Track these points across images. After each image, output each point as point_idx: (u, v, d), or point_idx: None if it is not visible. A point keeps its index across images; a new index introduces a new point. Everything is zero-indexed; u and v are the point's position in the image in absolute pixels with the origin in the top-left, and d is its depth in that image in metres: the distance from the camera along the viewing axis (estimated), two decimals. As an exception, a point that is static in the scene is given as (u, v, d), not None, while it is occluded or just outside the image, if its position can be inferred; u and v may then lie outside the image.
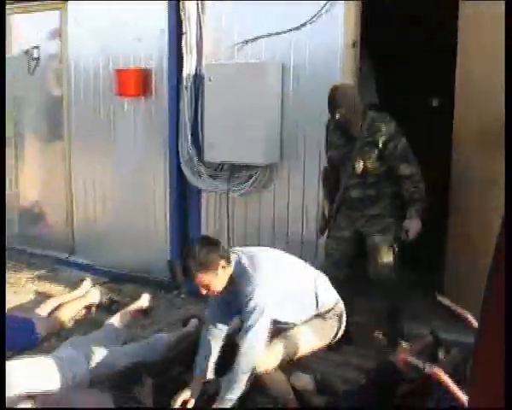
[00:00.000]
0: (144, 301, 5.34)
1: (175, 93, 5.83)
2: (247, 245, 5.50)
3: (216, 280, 3.45)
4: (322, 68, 5.06)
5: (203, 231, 5.91)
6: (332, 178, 4.55)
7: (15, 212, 7.79)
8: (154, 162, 6.21)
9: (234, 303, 3.56)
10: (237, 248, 3.75)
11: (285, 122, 5.28)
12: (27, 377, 3.77)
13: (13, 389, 3.63)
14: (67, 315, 5.26)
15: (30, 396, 3.53)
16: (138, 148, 6.35)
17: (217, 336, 3.73)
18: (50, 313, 5.22)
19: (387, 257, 4.38)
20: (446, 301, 3.51)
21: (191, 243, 3.63)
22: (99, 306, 5.54)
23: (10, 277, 6.53)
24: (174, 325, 5.05)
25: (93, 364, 4.08)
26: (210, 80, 5.36)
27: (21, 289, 6.32)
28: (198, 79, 5.67)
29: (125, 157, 6.48)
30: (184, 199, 6.00)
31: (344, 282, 4.43)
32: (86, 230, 6.98)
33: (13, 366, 3.89)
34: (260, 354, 3.35)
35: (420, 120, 5.98)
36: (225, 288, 3.51)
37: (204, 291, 3.48)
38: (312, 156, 5.18)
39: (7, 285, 6.28)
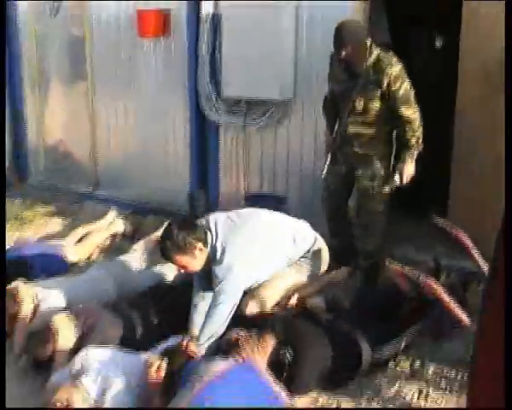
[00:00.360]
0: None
1: (194, 33, 6.01)
2: (262, 178, 5.83)
3: (194, 261, 3.63)
4: (334, 8, 5.15)
5: (221, 163, 6.18)
6: (331, 110, 4.61)
7: (41, 149, 8.08)
8: (173, 99, 6.43)
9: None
10: (218, 218, 3.84)
11: (299, 61, 5.44)
12: (60, 293, 4.15)
13: (48, 303, 4.02)
14: (94, 243, 5.59)
15: (65, 308, 3.87)
16: (158, 85, 6.57)
17: (203, 301, 3.81)
18: (78, 242, 5.55)
19: (372, 205, 4.47)
20: (442, 222, 3.73)
21: (169, 225, 3.76)
22: (123, 235, 5.86)
23: (39, 210, 6.89)
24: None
25: (119, 284, 4.42)
26: (227, 20, 5.55)
27: (49, 221, 6.65)
28: (216, 19, 5.84)
29: (145, 95, 6.71)
30: (203, 134, 6.24)
31: (338, 214, 4.70)
32: (109, 164, 7.26)
33: (47, 284, 4.28)
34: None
35: (426, 60, 6.06)
36: (204, 266, 3.68)
37: (182, 270, 3.70)
38: (324, 94, 5.36)
39: (36, 218, 6.66)
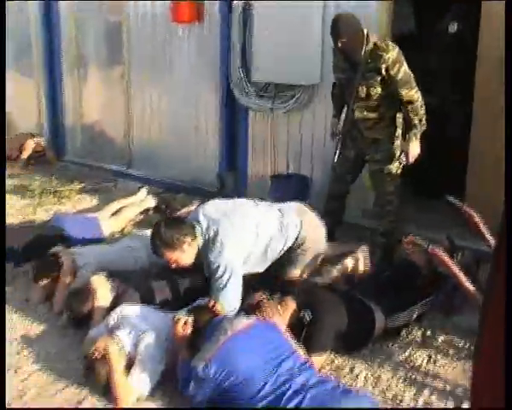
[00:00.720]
0: (195, 205, 5.93)
1: (226, 20, 6.28)
2: (289, 159, 6.06)
3: (184, 256, 3.83)
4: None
5: (249, 146, 6.44)
6: (338, 97, 4.84)
7: (78, 129, 8.44)
8: (205, 83, 6.72)
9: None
10: (206, 209, 4.02)
11: (325, 48, 5.60)
12: (96, 258, 4.47)
13: (86, 267, 4.34)
14: (127, 217, 5.91)
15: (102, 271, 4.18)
16: (191, 70, 6.86)
17: None
18: (112, 216, 5.86)
19: (384, 186, 4.68)
20: (454, 201, 3.93)
21: (157, 224, 3.96)
22: (155, 210, 6.16)
23: (75, 186, 7.24)
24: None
25: (150, 253, 4.70)
26: (257, 9, 5.80)
27: (84, 197, 7.01)
28: (247, 7, 6.08)
29: (178, 79, 7.00)
30: (233, 117, 6.51)
31: (338, 197, 4.97)
32: (143, 145, 7.59)
33: (84, 250, 4.61)
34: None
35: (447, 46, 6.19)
36: (196, 259, 3.88)
37: (173, 266, 3.87)
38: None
39: (72, 194, 7.00)
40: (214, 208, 4.05)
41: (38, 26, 8.44)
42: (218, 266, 3.74)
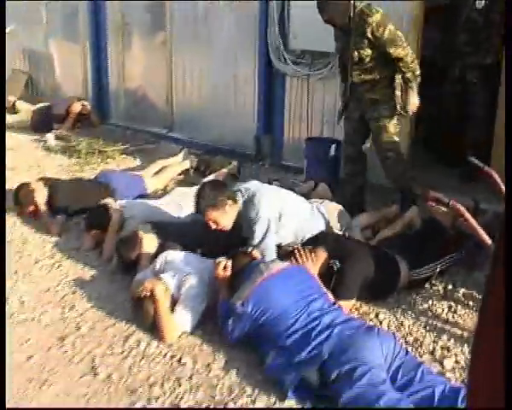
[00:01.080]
0: (233, 166, 6.25)
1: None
2: (323, 124, 6.31)
3: (224, 216, 4.11)
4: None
5: (286, 111, 6.69)
6: (341, 63, 5.09)
7: (121, 93, 8.78)
8: (244, 50, 6.98)
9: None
10: (245, 185, 4.32)
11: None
12: (142, 211, 4.83)
13: (133, 218, 4.70)
14: (169, 176, 6.25)
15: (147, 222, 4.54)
16: (231, 38, 7.12)
17: None
18: (155, 174, 6.22)
19: (382, 142, 4.92)
20: (476, 161, 4.12)
21: (202, 186, 4.27)
22: (195, 170, 6.48)
23: (119, 147, 7.60)
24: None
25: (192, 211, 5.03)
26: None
27: (128, 157, 7.37)
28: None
29: (219, 46, 7.28)
30: (271, 83, 6.77)
31: (354, 158, 5.18)
32: (184, 109, 7.91)
33: (131, 203, 4.97)
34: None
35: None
36: (235, 223, 4.17)
37: (213, 226, 4.13)
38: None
39: (116, 155, 7.36)
40: (253, 183, 4.38)
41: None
42: (256, 222, 4.05)
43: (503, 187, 4.01)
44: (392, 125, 4.88)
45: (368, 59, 4.73)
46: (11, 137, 8.04)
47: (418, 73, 4.73)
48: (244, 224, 4.18)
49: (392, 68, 4.77)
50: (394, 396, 2.80)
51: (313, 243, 4.02)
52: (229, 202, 4.10)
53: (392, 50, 4.61)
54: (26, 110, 9.30)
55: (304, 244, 3.99)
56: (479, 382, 0.95)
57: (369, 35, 4.60)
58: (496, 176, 3.90)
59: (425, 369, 3.03)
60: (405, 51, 4.63)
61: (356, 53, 4.71)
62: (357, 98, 4.98)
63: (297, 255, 3.74)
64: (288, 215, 4.26)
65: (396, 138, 4.93)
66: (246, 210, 4.14)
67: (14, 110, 9.58)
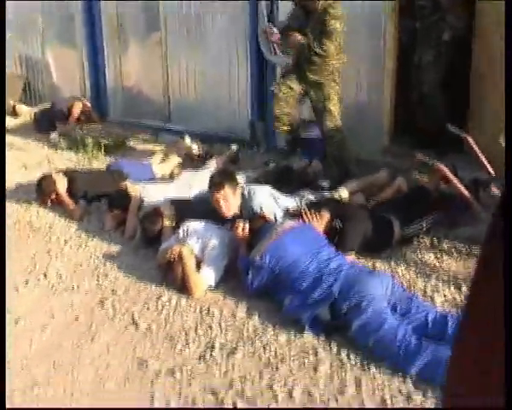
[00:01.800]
0: (233, 148, 6.79)
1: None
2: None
3: (230, 200, 4.64)
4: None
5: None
6: (284, 40, 5.80)
7: (119, 91, 9.25)
8: (236, 43, 7.47)
9: None
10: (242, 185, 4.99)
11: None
12: (157, 192, 5.35)
13: (150, 198, 5.22)
14: (174, 162, 6.72)
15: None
16: (223, 31, 7.61)
17: None
18: (162, 161, 6.72)
19: (325, 123, 5.58)
20: (456, 129, 4.69)
21: (213, 175, 4.82)
22: (198, 156, 6.98)
23: (121, 140, 8.10)
24: (258, 167, 6.47)
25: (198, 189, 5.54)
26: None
27: (128, 149, 7.89)
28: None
29: (211, 39, 7.76)
30: (262, 72, 7.25)
31: None
32: (180, 101, 8.39)
33: (147, 185, 5.49)
34: None
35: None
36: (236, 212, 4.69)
37: (220, 209, 4.64)
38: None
39: (120, 147, 7.83)
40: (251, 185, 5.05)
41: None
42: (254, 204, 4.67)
43: (478, 150, 4.60)
44: (334, 106, 5.52)
45: (317, 44, 5.30)
46: (17, 139, 8.50)
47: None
48: (244, 211, 4.71)
49: (342, 58, 5.48)
50: (394, 322, 3.37)
51: (317, 206, 4.59)
52: (232, 190, 4.68)
53: (324, 40, 5.23)
54: (26, 113, 9.72)
55: (309, 207, 4.56)
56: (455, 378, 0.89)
57: (326, 22, 5.19)
58: (472, 141, 4.45)
59: (419, 299, 3.62)
60: (331, 50, 5.28)
61: (311, 36, 5.31)
62: (300, 76, 5.61)
63: (304, 216, 4.31)
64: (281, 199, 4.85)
65: (338, 120, 5.56)
66: (245, 201, 4.71)
67: (14, 114, 9.93)
